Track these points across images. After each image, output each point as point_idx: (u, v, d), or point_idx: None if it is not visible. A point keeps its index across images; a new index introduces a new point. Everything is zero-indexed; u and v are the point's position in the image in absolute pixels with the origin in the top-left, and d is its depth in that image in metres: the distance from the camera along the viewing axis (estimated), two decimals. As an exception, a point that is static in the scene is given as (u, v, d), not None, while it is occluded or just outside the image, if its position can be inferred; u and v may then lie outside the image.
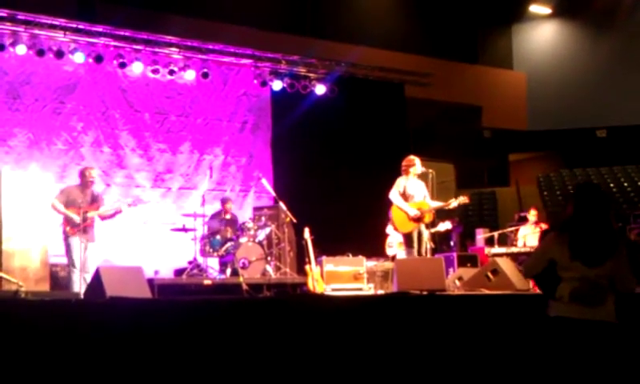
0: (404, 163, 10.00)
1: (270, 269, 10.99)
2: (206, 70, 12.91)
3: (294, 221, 11.27)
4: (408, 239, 9.82)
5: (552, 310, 4.78)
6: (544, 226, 12.35)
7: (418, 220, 9.69)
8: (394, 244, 11.33)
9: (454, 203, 9.97)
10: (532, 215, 12.91)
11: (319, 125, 14.05)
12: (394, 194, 9.83)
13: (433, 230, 10.36)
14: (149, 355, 5.48)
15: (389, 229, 11.38)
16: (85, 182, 9.62)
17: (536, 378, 4.84)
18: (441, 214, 11.15)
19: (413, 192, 9.83)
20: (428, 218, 9.81)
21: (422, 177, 10.07)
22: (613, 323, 4.65)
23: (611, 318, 4.66)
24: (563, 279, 4.74)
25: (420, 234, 9.79)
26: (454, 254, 11.48)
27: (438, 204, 9.93)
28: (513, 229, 13.26)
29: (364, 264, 10.59)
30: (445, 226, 10.94)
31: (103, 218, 9.67)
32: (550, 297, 4.79)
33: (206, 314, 6.01)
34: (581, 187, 4.98)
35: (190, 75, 12.87)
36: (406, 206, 9.71)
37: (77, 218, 9.22)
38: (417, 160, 9.96)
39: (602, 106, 20.58)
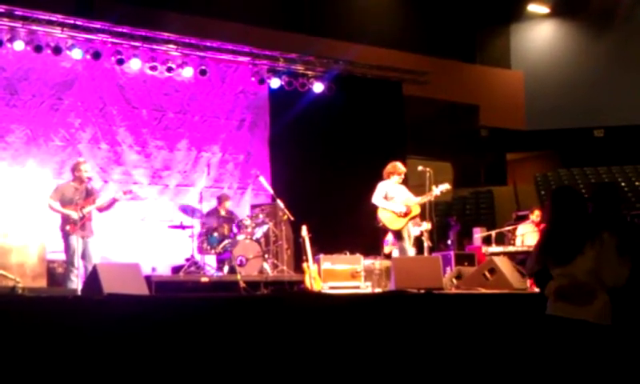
0: (389, 169, 10.16)
1: (267, 266, 10.98)
2: (203, 67, 12.90)
3: (292, 218, 11.26)
4: (398, 234, 9.95)
5: (547, 308, 4.81)
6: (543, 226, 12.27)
7: (405, 215, 9.87)
8: (389, 242, 11.36)
9: (435, 191, 10.05)
10: (535, 216, 12.82)
11: (317, 123, 14.04)
12: (376, 198, 10.03)
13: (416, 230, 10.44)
14: (146, 352, 5.47)
15: None
16: (78, 177, 9.53)
17: (533, 378, 4.84)
18: (441, 210, 11.14)
19: (394, 195, 10.01)
20: (416, 211, 9.94)
21: (420, 175, 10.12)
22: (596, 324, 4.57)
23: (597, 319, 4.58)
24: (553, 277, 4.77)
25: (409, 231, 9.97)
26: (452, 253, 11.46)
27: (421, 198, 10.02)
28: (510, 228, 13.25)
29: (361, 262, 10.58)
30: (424, 226, 10.82)
31: (100, 209, 9.61)
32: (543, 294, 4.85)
33: (203, 311, 6.01)
34: (554, 192, 5.04)
35: (187, 72, 12.86)
36: (390, 205, 9.93)
37: (75, 216, 9.17)
38: (401, 168, 10.17)
39: (600, 106, 20.61)
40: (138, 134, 12.69)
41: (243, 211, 12.78)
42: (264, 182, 12.03)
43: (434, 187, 10.06)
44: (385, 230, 11.50)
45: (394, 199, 9.97)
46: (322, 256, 10.47)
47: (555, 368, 4.67)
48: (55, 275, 10.17)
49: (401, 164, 10.30)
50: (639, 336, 4.65)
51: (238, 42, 13.51)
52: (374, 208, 10.08)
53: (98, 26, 12.01)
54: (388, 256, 11.19)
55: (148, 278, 8.79)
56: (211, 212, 11.60)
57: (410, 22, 19.59)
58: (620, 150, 20.81)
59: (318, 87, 14.06)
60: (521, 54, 21.95)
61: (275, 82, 13.75)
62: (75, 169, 9.61)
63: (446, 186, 10.11)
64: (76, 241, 9.08)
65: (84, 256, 9.19)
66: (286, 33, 16.41)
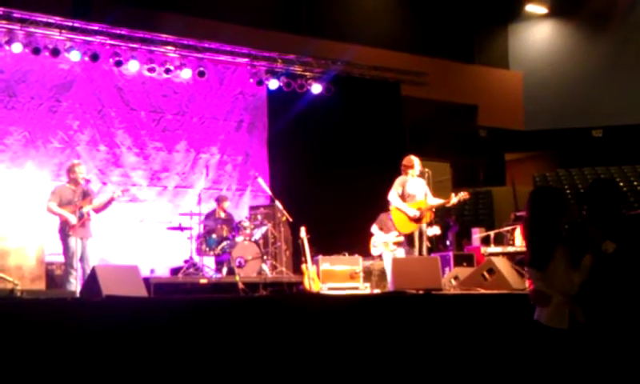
0: (403, 163, 9.96)
1: (266, 268, 10.98)
2: (202, 69, 12.90)
3: (290, 220, 11.27)
4: (409, 239, 9.78)
5: None
6: None
7: (417, 220, 9.67)
8: (379, 243, 11.31)
9: (454, 199, 9.91)
10: None
11: (315, 124, 14.04)
12: (392, 196, 9.77)
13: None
14: (145, 354, 5.47)
15: (374, 228, 11.37)
16: (73, 179, 9.52)
17: (531, 378, 4.86)
18: (440, 211, 11.09)
19: (413, 191, 9.79)
20: (428, 218, 9.80)
21: (420, 176, 10.05)
22: (541, 324, 4.75)
23: (548, 322, 4.73)
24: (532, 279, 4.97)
25: (421, 233, 9.78)
26: (450, 254, 11.44)
27: (438, 201, 9.90)
28: (509, 228, 13.24)
29: (360, 263, 10.57)
30: (433, 231, 10.80)
31: (97, 210, 9.57)
32: None
33: (202, 312, 6.01)
34: (533, 193, 5.00)
35: (186, 74, 12.86)
36: (404, 207, 9.67)
37: (73, 219, 9.16)
38: (416, 161, 9.90)
39: (598, 106, 20.61)
40: (136, 136, 12.68)
41: (242, 212, 12.78)
42: (262, 183, 12.03)
43: (452, 195, 9.96)
44: (371, 233, 11.47)
45: (415, 196, 9.75)
46: (320, 257, 10.46)
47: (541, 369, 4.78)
48: (54, 277, 10.16)
49: (413, 156, 10.05)
50: (610, 338, 4.70)
51: (236, 44, 13.51)
52: (389, 204, 9.88)
53: (96, 28, 12.00)
54: (380, 257, 11.17)
55: (147, 280, 8.80)
56: (210, 213, 11.61)
57: (408, 22, 19.59)
58: (618, 150, 20.82)
59: (316, 88, 14.06)
60: (519, 55, 21.95)
61: (273, 84, 13.75)
62: (70, 171, 9.60)
63: (464, 194, 10.01)
64: (75, 242, 9.08)
65: (82, 258, 9.17)
66: (284, 34, 16.41)
